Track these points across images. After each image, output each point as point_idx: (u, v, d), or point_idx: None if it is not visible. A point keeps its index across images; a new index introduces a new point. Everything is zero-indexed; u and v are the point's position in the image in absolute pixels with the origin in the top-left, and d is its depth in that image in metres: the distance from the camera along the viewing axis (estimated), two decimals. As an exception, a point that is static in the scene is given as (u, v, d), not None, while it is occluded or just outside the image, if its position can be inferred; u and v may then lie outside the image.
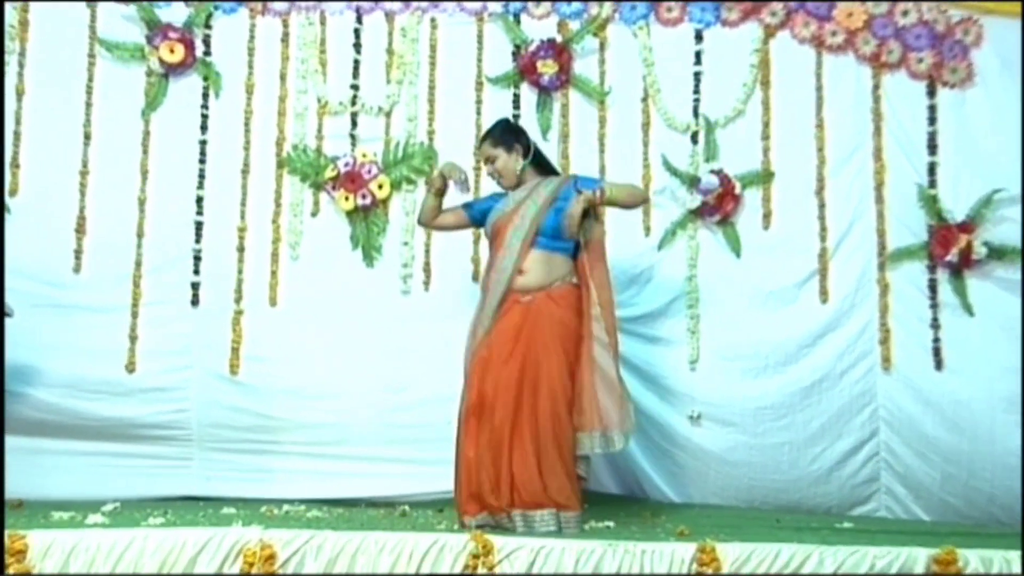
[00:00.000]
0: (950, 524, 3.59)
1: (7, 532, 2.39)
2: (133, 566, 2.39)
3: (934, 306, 3.91)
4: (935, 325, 3.91)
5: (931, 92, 4.00)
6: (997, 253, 3.84)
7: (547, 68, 4.05)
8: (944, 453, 3.79)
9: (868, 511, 3.87)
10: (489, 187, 3.64)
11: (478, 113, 4.06)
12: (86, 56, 3.98)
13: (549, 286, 3.11)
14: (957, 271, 3.90)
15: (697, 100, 4.10)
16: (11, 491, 3.32)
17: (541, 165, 3.32)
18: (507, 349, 3.05)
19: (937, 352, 3.89)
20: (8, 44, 3.92)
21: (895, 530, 3.30)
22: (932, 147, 3.98)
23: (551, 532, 2.91)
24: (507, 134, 3.29)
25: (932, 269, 3.93)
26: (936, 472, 3.80)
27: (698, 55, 4.10)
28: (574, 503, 3.01)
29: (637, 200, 3.38)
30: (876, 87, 4.04)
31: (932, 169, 3.97)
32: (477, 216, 3.36)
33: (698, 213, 4.04)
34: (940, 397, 3.84)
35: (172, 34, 3.99)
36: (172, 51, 3.98)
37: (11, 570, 2.33)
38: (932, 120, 3.98)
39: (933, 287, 3.93)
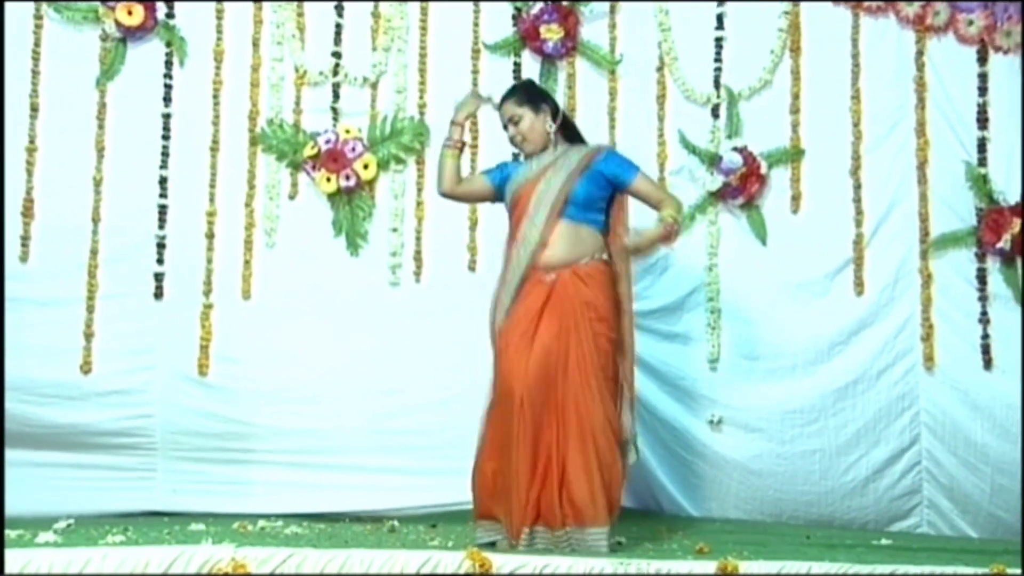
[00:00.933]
0: (1000, 541, 3.59)
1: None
2: (90, 589, 2.39)
3: (983, 298, 3.92)
4: (984, 319, 3.91)
5: (982, 59, 3.99)
6: (1055, 239, 3.85)
7: (551, 33, 4.04)
8: (994, 462, 3.80)
9: (908, 527, 3.88)
10: (495, 157, 3.59)
11: (474, 84, 4.05)
12: (32, 18, 3.95)
13: (575, 262, 3.05)
14: (1009, 259, 3.90)
15: (719, 69, 4.09)
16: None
17: (568, 132, 3.23)
18: (528, 335, 2.98)
19: (986, 350, 3.89)
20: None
21: (939, 548, 3.30)
22: (982, 121, 3.97)
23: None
24: (534, 93, 3.23)
25: (981, 257, 3.94)
26: (985, 483, 3.81)
27: (720, 18, 4.09)
28: (601, 518, 2.92)
29: None
30: (920, 53, 4.03)
31: (982, 145, 3.97)
32: (499, 183, 3.21)
33: (719, 195, 4.04)
34: (989, 400, 3.84)
35: (130, -7, 3.97)
36: (130, 13, 3.96)
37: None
38: (983, 90, 3.98)
39: (982, 277, 3.93)
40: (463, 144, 3.24)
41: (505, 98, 3.20)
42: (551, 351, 2.96)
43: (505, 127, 3.19)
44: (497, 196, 3.24)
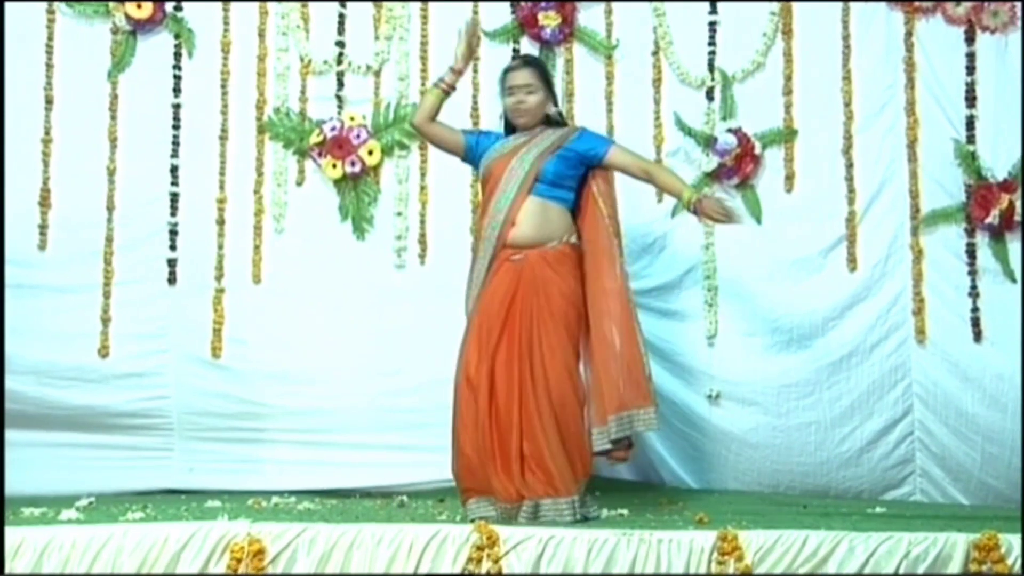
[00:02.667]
0: (991, 508, 3.60)
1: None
2: (111, 565, 2.40)
3: (972, 273, 3.90)
4: (974, 293, 3.90)
5: (970, 38, 3.96)
6: (1042, 214, 3.83)
7: (549, 20, 4.02)
8: (984, 431, 3.80)
9: (902, 495, 3.89)
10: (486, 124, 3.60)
11: (474, 71, 4.03)
12: (45, 13, 3.95)
13: (543, 245, 3.08)
14: (998, 234, 3.88)
15: (712, 52, 4.07)
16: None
17: (551, 118, 3.27)
18: (499, 323, 3.05)
19: (976, 323, 3.88)
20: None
21: (931, 515, 3.30)
22: (970, 99, 3.95)
23: (552, 521, 2.91)
24: (547, 74, 3.29)
25: (970, 232, 3.92)
26: (976, 452, 3.81)
27: (713, 2, 4.07)
28: (568, 489, 3.00)
29: None
30: (909, 34, 4.00)
31: (970, 123, 3.95)
32: (472, 146, 3.23)
33: (715, 176, 4.03)
34: (979, 371, 3.84)
35: (139, -13, 3.96)
36: (139, 6, 3.96)
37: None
38: (971, 69, 3.95)
39: (971, 252, 3.92)
40: (452, 88, 3.23)
41: (522, 65, 3.23)
42: (523, 346, 3.00)
43: (509, 93, 3.20)
44: (466, 157, 3.27)
